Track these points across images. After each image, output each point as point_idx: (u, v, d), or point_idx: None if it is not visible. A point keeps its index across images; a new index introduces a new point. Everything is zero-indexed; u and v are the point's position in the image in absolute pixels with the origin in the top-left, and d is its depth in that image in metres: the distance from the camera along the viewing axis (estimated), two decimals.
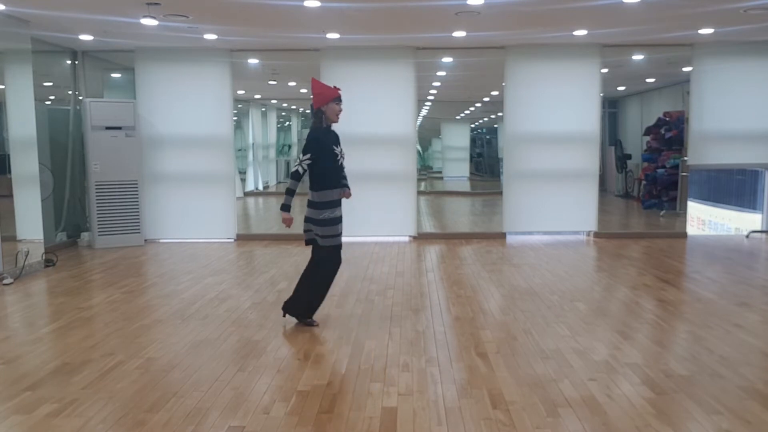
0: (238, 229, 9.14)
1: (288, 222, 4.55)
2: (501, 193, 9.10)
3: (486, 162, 19.49)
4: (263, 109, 17.20)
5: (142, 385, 3.66)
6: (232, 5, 6.26)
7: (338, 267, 4.80)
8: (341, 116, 4.70)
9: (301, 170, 4.53)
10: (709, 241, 8.98)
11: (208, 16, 6.76)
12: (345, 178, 4.80)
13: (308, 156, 4.52)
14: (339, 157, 4.65)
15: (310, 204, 4.64)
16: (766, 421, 3.15)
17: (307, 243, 4.74)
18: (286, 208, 4.55)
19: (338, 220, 4.66)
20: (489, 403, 3.37)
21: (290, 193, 4.55)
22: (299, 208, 4.80)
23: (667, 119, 12.28)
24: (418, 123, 12.56)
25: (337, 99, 4.60)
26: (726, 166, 9.60)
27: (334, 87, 4.66)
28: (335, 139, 4.69)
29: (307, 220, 4.68)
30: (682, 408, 3.30)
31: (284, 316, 4.89)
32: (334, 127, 4.74)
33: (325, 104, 4.57)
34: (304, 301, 4.80)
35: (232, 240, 8.93)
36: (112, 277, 6.65)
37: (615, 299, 5.64)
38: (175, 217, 8.92)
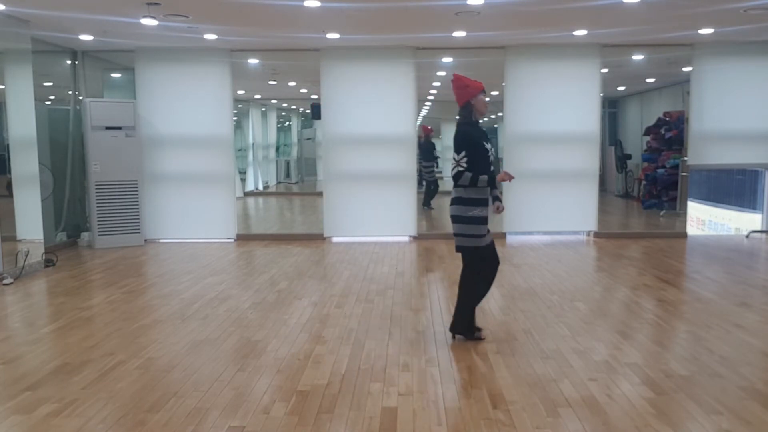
0: (238, 229, 9.14)
1: (506, 176, 4.29)
2: (500, 193, 9.09)
3: None
4: (263, 109, 17.21)
5: (142, 385, 3.66)
6: (232, 5, 6.26)
7: (497, 266, 4.46)
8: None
9: (462, 169, 4.19)
10: (709, 241, 8.98)
11: (208, 16, 6.76)
12: (495, 183, 4.37)
13: (464, 154, 4.20)
14: (489, 154, 4.32)
15: (458, 201, 4.29)
16: (766, 421, 3.15)
17: (458, 250, 4.39)
18: (491, 182, 4.25)
19: (485, 220, 4.32)
20: (489, 403, 3.37)
21: (472, 182, 4.20)
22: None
23: (667, 119, 12.28)
24: (418, 123, 12.57)
25: (483, 91, 4.33)
26: (726, 166, 9.60)
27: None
28: (484, 134, 4.37)
29: (453, 220, 4.33)
30: (682, 408, 3.30)
31: (453, 338, 4.49)
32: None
33: (473, 97, 4.31)
34: (466, 315, 4.44)
35: (232, 240, 8.93)
36: (112, 277, 6.65)
37: (615, 299, 5.64)
38: (175, 217, 8.92)
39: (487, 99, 4.42)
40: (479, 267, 4.38)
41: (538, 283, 6.15)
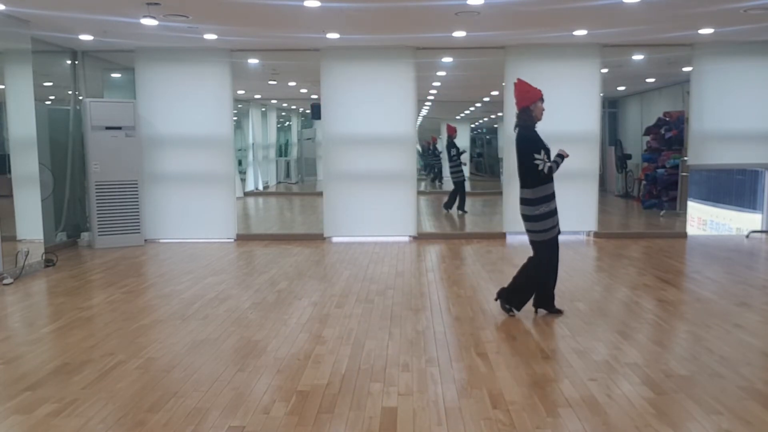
0: (238, 229, 9.14)
1: (563, 152, 4.78)
2: (501, 193, 9.10)
3: (486, 162, 19.49)
4: (263, 109, 17.20)
5: (142, 385, 3.66)
6: (232, 5, 6.26)
7: (558, 259, 4.95)
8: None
9: (548, 167, 4.69)
10: (709, 241, 8.98)
11: (208, 16, 6.76)
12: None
13: (542, 153, 4.67)
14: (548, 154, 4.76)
15: (525, 201, 4.79)
16: (766, 421, 3.15)
17: (533, 243, 4.89)
18: (558, 158, 4.79)
19: (554, 212, 4.83)
20: (489, 403, 3.37)
21: (556, 165, 4.76)
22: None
23: (667, 119, 12.28)
24: (418, 123, 12.55)
25: (542, 98, 4.75)
26: (726, 166, 9.60)
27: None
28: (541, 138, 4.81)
29: (524, 218, 4.85)
30: (682, 408, 3.30)
31: (511, 310, 5.00)
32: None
33: (533, 103, 4.72)
34: (523, 292, 4.96)
35: (232, 240, 8.93)
36: (112, 277, 6.65)
37: (615, 299, 5.64)
38: (175, 217, 8.92)
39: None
40: (548, 257, 4.86)
41: None
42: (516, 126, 4.85)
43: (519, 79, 4.84)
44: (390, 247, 8.28)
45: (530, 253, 4.98)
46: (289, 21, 6.97)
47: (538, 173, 4.70)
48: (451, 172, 12.47)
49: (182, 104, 8.80)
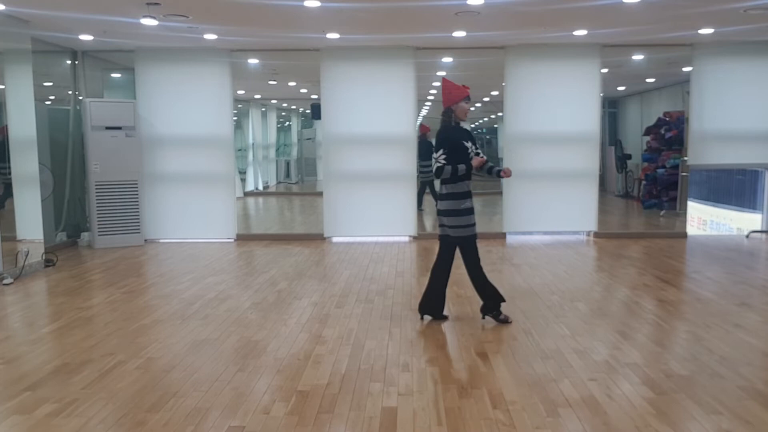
0: (238, 229, 9.14)
1: (507, 172, 4.76)
2: (501, 193, 9.11)
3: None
4: (263, 109, 17.20)
5: (142, 385, 3.66)
6: (232, 5, 6.26)
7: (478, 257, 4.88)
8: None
9: (440, 165, 4.66)
10: (709, 241, 8.98)
11: (208, 16, 6.76)
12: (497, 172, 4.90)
13: (442, 151, 4.66)
14: (470, 151, 4.73)
15: (445, 197, 4.75)
16: (766, 421, 3.15)
17: (441, 238, 4.87)
18: (468, 170, 4.68)
19: (473, 210, 4.80)
20: (489, 403, 3.37)
21: (455, 172, 4.63)
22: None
23: (667, 119, 12.28)
24: (418, 123, 12.54)
25: (467, 98, 4.75)
26: (726, 166, 9.61)
27: (463, 86, 4.78)
28: (466, 135, 4.79)
29: (440, 213, 4.80)
30: (682, 408, 3.30)
31: (422, 318, 4.98)
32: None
33: (454, 103, 4.73)
34: (438, 297, 4.91)
35: (232, 240, 8.93)
36: (112, 277, 6.65)
37: (615, 299, 5.64)
38: (175, 217, 8.92)
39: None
40: (452, 256, 4.82)
41: (538, 283, 6.15)
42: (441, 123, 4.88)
43: (444, 78, 4.83)
44: (390, 247, 8.28)
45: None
46: (289, 21, 6.97)
47: (453, 170, 4.65)
48: (422, 171, 12.35)
49: (182, 104, 8.80)
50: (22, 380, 3.76)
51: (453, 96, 4.73)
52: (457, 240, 4.77)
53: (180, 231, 8.92)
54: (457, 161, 4.64)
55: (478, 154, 4.77)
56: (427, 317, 4.97)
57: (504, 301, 4.89)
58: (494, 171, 4.87)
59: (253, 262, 7.49)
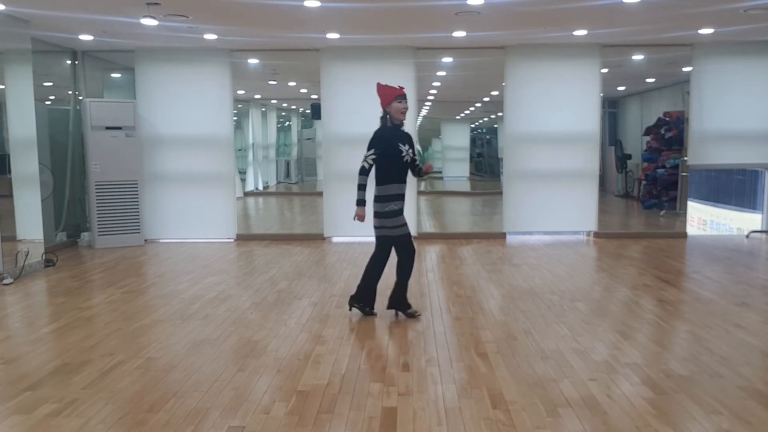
0: (238, 229, 9.14)
1: (361, 217, 4.76)
2: (501, 193, 9.10)
3: (486, 162, 19.51)
4: (263, 109, 17.20)
5: (142, 385, 3.66)
6: (232, 5, 6.26)
7: (414, 254, 4.93)
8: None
9: (366, 165, 4.73)
10: (709, 241, 8.98)
11: (208, 16, 6.76)
12: (419, 171, 4.99)
13: (371, 152, 4.74)
14: (404, 154, 4.79)
15: (376, 198, 4.81)
16: (766, 421, 3.15)
17: (378, 238, 4.91)
18: (360, 202, 4.76)
19: (401, 212, 4.84)
20: (489, 403, 3.37)
21: (360, 187, 4.74)
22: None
23: (667, 119, 12.28)
24: (418, 123, 12.55)
25: (399, 97, 4.80)
26: (726, 166, 9.60)
27: (399, 86, 4.84)
28: (403, 137, 4.85)
29: (375, 215, 4.84)
30: (682, 408, 3.30)
31: (350, 309, 5.08)
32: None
33: (388, 104, 4.81)
34: (370, 290, 5.00)
35: (232, 240, 8.93)
36: (112, 277, 6.65)
37: (615, 299, 5.64)
38: (175, 217, 8.92)
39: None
40: (387, 253, 4.91)
41: (538, 283, 6.15)
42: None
43: (378, 83, 4.89)
44: None
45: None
46: (289, 21, 6.97)
47: (386, 171, 4.76)
48: None
49: (182, 104, 8.79)
50: (22, 380, 3.76)
51: (386, 97, 4.80)
52: (387, 239, 4.85)
53: (180, 231, 8.92)
54: (388, 161, 4.72)
55: (414, 160, 4.88)
56: (356, 310, 5.07)
57: (372, 311, 5.02)
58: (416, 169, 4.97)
59: (253, 262, 7.49)
